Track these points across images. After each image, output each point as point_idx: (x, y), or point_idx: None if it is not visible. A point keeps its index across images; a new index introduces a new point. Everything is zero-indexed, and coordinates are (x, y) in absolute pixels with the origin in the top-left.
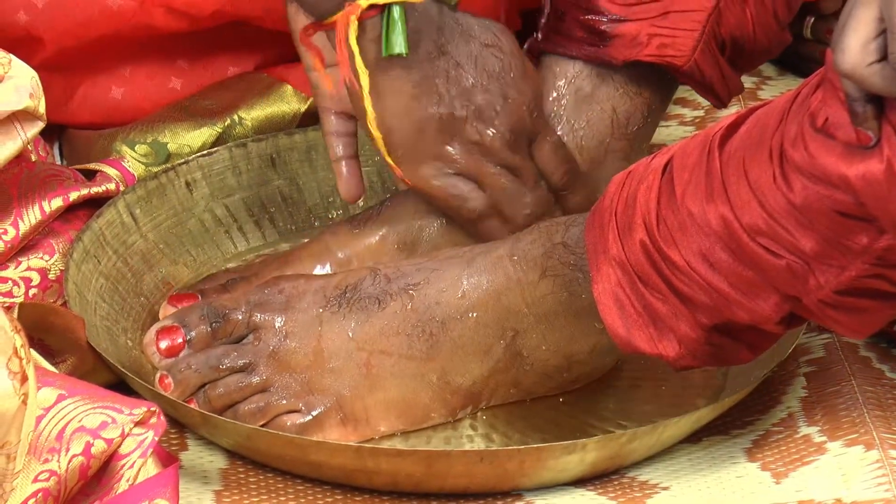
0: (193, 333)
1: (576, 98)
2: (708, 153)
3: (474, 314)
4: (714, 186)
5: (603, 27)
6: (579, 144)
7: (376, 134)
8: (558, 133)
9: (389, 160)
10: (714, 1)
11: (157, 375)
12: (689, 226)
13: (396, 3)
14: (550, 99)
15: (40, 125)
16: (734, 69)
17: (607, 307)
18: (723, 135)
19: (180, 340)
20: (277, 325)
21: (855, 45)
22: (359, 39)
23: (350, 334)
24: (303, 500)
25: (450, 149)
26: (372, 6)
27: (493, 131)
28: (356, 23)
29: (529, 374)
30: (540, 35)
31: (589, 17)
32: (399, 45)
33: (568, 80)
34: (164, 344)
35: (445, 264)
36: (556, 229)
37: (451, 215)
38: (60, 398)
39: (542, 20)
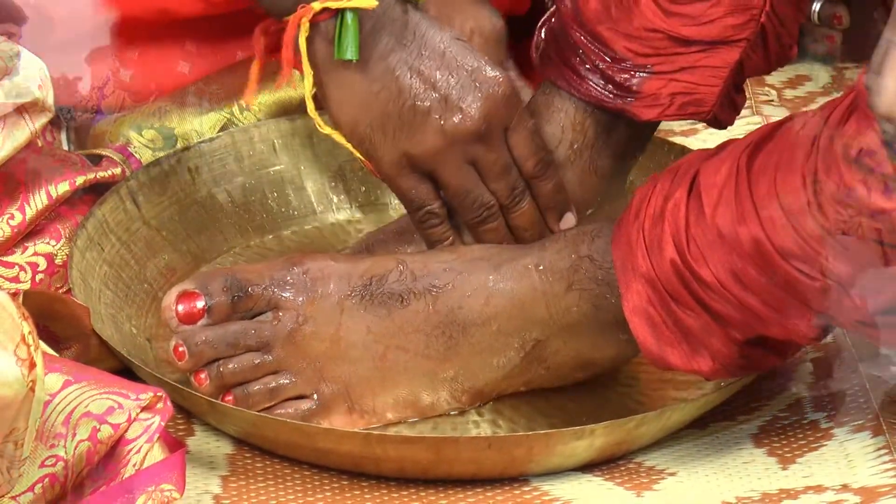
0: (213, 303)
1: (595, 131)
2: (737, 173)
3: (497, 322)
4: (745, 208)
5: (623, 81)
6: (595, 168)
7: (328, 131)
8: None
9: (358, 154)
10: (737, 54)
11: (172, 343)
12: (720, 245)
13: (349, 9)
14: (571, 135)
15: (48, 115)
16: (741, 94)
17: (639, 325)
18: (750, 153)
19: (200, 306)
20: (298, 306)
21: (891, 88)
22: (311, 41)
23: (369, 327)
24: (309, 486)
25: (416, 143)
26: (325, 9)
27: (461, 119)
28: (307, 24)
29: (545, 375)
30: (546, 56)
31: (608, 64)
32: (350, 50)
33: (585, 117)
34: (182, 308)
35: (472, 267)
36: (581, 240)
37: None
38: (67, 384)
39: (550, 36)
